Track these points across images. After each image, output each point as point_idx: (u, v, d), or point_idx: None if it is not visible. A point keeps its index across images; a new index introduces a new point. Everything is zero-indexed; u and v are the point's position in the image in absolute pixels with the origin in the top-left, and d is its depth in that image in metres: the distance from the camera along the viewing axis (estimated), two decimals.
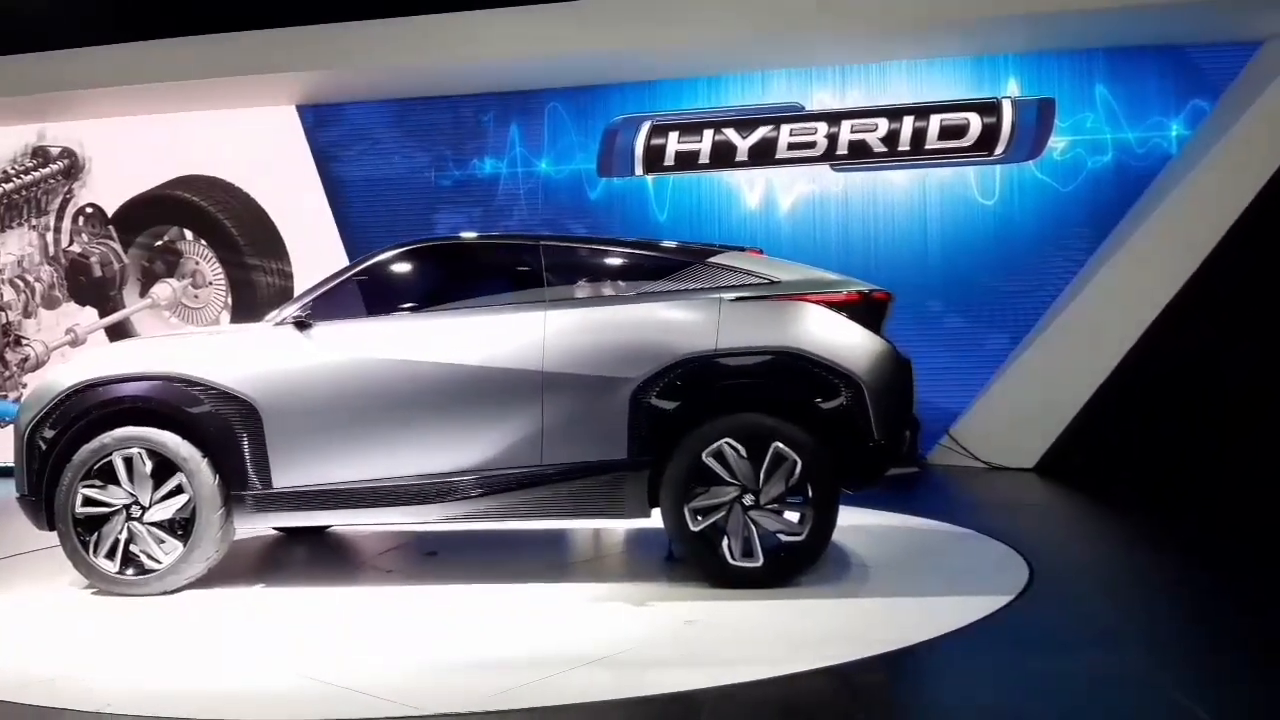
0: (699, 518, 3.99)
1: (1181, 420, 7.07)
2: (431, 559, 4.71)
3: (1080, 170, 7.88)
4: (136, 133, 8.97)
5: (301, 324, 4.20)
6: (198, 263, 8.90)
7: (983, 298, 7.95)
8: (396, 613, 3.87)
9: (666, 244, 4.49)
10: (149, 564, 4.16)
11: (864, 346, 4.02)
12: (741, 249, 4.46)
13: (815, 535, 4.02)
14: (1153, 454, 6.88)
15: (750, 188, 8.37)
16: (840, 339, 4.02)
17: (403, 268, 4.38)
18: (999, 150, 7.92)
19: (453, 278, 4.48)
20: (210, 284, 8.78)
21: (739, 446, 4.01)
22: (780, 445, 3.99)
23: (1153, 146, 7.71)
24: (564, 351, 4.03)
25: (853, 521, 5.23)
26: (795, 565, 4.02)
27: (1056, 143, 7.91)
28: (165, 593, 4.17)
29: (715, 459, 3.99)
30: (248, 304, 8.79)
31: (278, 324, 4.25)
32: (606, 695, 2.89)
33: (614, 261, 4.35)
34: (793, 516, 3.97)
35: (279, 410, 4.09)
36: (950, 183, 8.09)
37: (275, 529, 5.34)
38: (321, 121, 8.84)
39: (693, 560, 4.07)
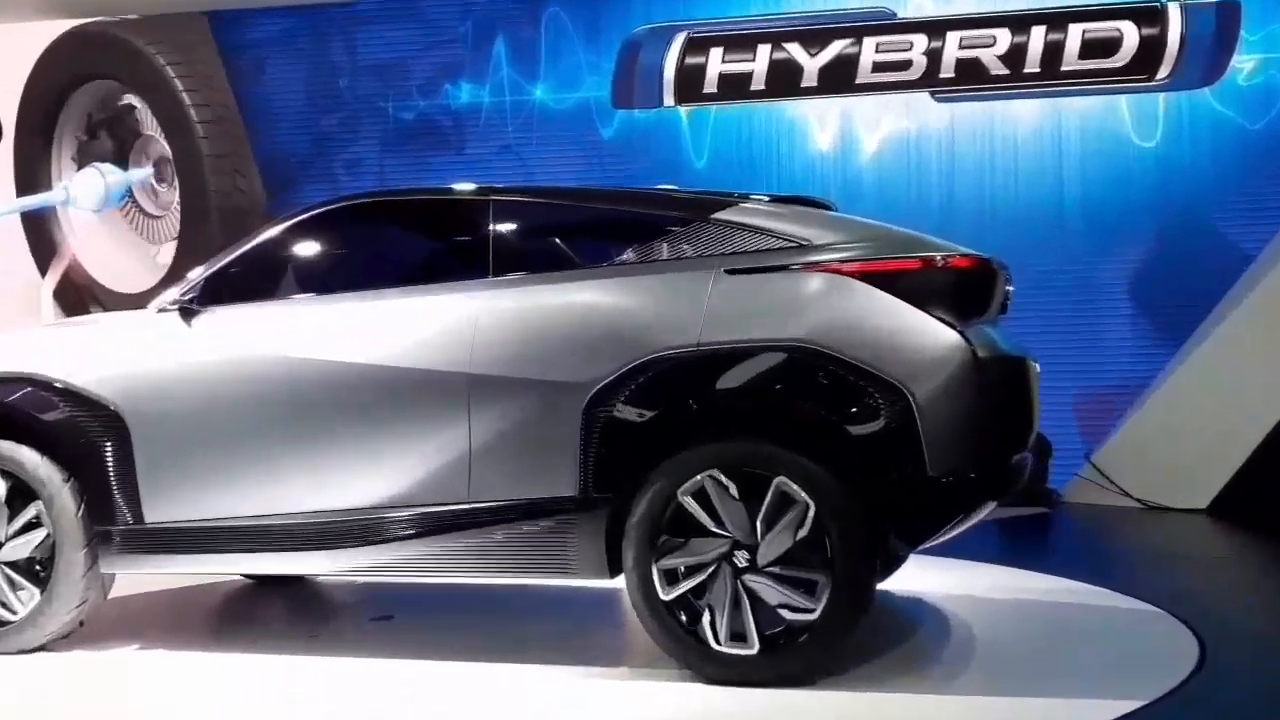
0: (672, 581, 3.82)
1: None
2: (383, 623, 4.78)
3: (1275, 101, 7.65)
4: None
5: (188, 310, 4.26)
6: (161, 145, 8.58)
7: (1138, 277, 7.81)
8: (325, 696, 3.87)
9: (660, 194, 4.44)
10: (2, 615, 4.23)
11: (919, 340, 3.73)
12: (802, 200, 4.35)
13: (836, 613, 3.71)
14: None
15: (821, 124, 8.27)
16: (883, 329, 3.75)
17: (315, 236, 4.46)
18: (1163, 73, 7.75)
19: (377, 248, 4.54)
20: (174, 185, 8.49)
21: (729, 483, 3.78)
22: (787, 482, 3.72)
23: None
24: (498, 346, 3.98)
25: (949, 580, 5.21)
26: (807, 656, 3.73)
27: (1242, 62, 7.67)
28: (23, 651, 4.25)
29: (696, 499, 3.79)
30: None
31: (160, 310, 4.32)
32: None
33: (584, 221, 4.33)
34: (806, 584, 3.77)
35: (149, 422, 4.16)
36: (1096, 116, 7.91)
37: (245, 575, 5.49)
38: (236, 31, 8.75)
39: (661, 641, 3.84)
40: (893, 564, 4.72)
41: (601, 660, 4.15)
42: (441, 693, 3.85)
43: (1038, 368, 4.19)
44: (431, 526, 3.97)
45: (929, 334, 3.77)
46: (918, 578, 5.02)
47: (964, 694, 3.77)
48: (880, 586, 4.70)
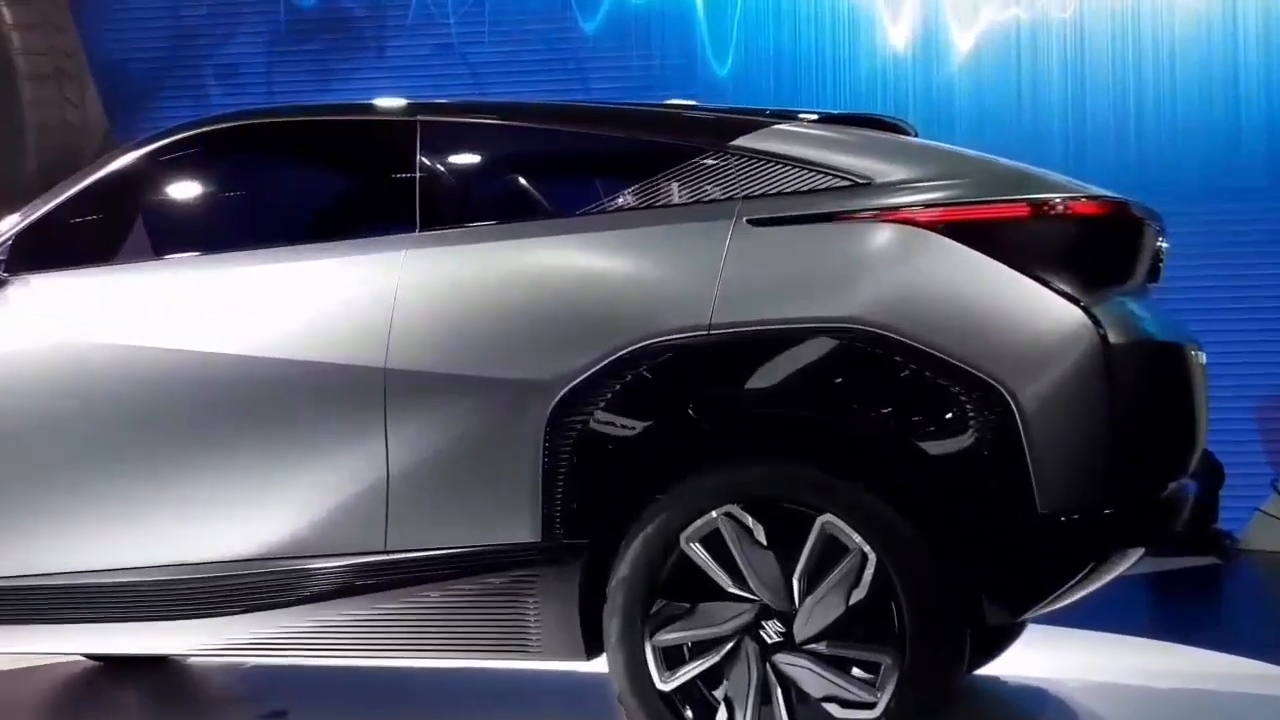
0: (673, 665, 3.85)
1: None
2: None
3: None
4: None
5: None
6: None
7: None
8: None
9: (658, 113, 4.50)
10: None
11: (1026, 320, 3.76)
12: (865, 120, 4.42)
13: (907, 710, 3.73)
14: None
15: (893, 12, 8.31)
16: (974, 305, 3.77)
17: (170, 175, 4.57)
18: None
19: (257, 191, 4.70)
20: None
21: (754, 524, 3.81)
22: (836, 523, 3.74)
23: None
24: (427, 331, 4.05)
25: (1083, 660, 5.20)
26: None
27: None
28: None
29: (707, 547, 3.82)
30: None
31: None
32: None
33: (551, 153, 4.44)
34: (864, 669, 3.81)
35: None
36: None
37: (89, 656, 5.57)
38: None
39: None
40: (996, 640, 4.72)
41: None
42: None
43: (1204, 359, 4.20)
44: (335, 587, 4.02)
45: (1040, 311, 3.77)
46: (1036, 657, 5.02)
47: None
48: (982, 672, 4.91)
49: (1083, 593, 3.95)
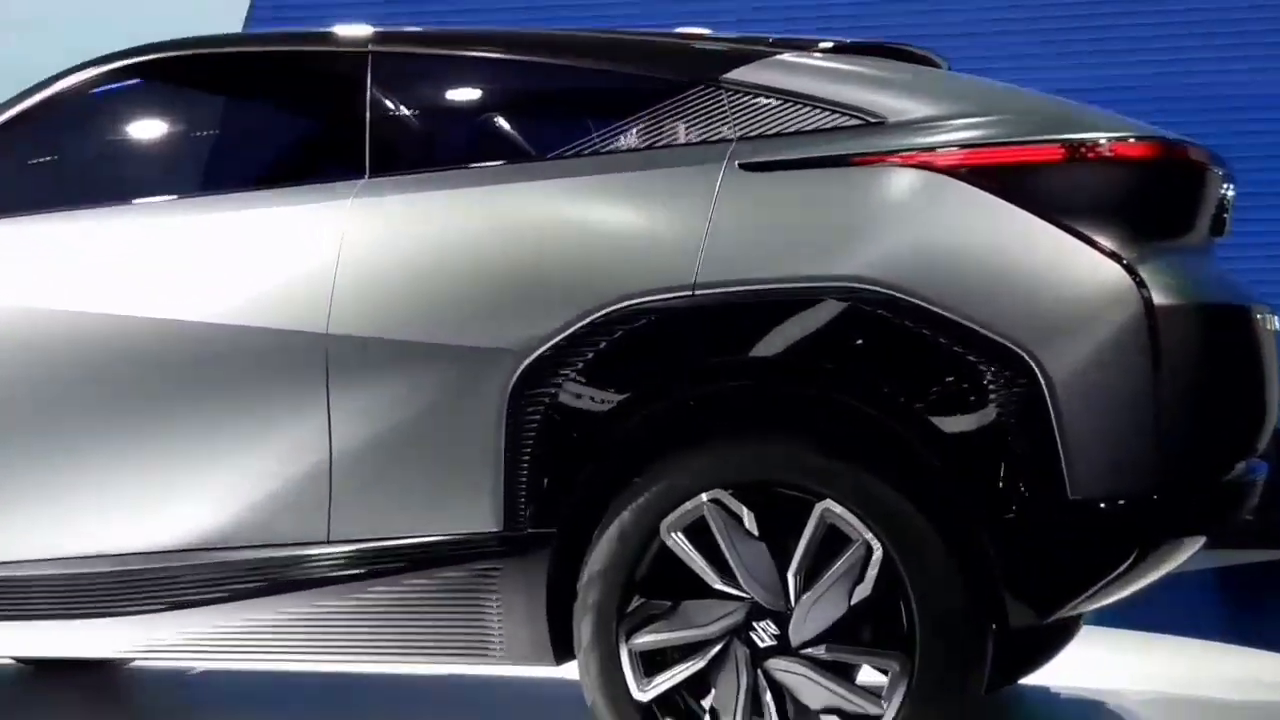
0: (653, 670, 3.69)
1: None
2: None
3: None
4: None
5: None
6: None
7: None
8: None
9: (637, 40, 4.33)
10: None
11: (1058, 279, 3.61)
12: (883, 50, 4.24)
13: None
14: None
15: None
16: (999, 262, 3.62)
17: (79, 113, 4.47)
18: None
19: (180, 132, 4.58)
20: None
21: (744, 511, 3.64)
22: (837, 510, 3.58)
23: None
24: (375, 291, 3.93)
25: (1141, 665, 5.29)
26: None
27: None
28: None
29: (691, 537, 3.68)
30: None
31: None
32: None
33: (517, 88, 4.35)
34: (871, 674, 3.69)
35: None
36: None
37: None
38: None
39: None
40: (1046, 643, 4.70)
41: None
42: None
43: (1277, 324, 4.02)
44: (271, 582, 3.91)
45: (1074, 269, 3.59)
46: (1086, 661, 4.97)
47: None
48: (1029, 680, 4.87)
49: (1129, 589, 3.80)
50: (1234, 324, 3.87)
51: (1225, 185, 4.00)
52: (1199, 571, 6.49)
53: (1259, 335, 3.92)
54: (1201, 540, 3.81)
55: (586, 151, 3.95)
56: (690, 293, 3.65)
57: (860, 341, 3.63)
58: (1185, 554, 3.81)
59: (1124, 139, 3.73)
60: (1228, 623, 6.16)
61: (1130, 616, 4.37)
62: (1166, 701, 4.90)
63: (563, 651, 3.77)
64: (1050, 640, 4.84)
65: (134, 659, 4.76)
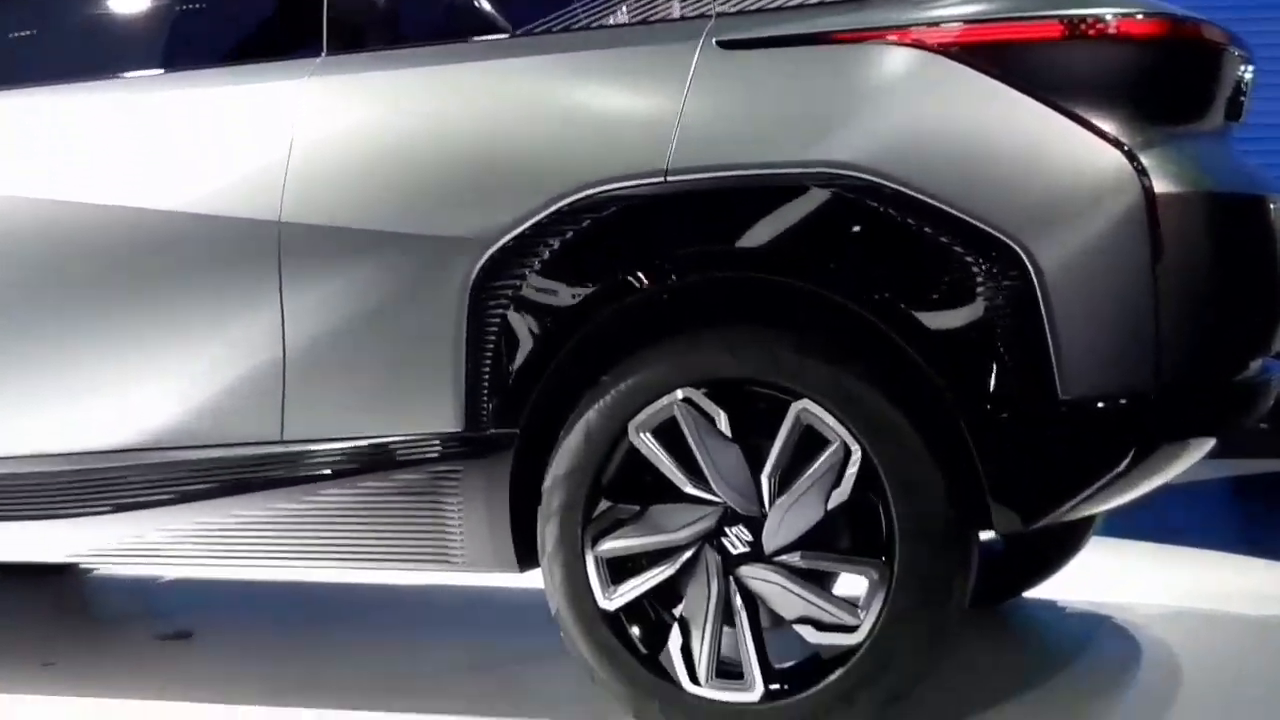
0: (619, 578, 3.67)
1: None
2: (176, 644, 4.91)
3: None
4: None
5: None
6: None
7: None
8: None
9: None
10: None
11: (1051, 165, 3.52)
12: None
13: (896, 636, 3.49)
14: None
15: None
16: (990, 147, 3.52)
17: None
18: None
19: (138, 5, 4.50)
20: None
21: (717, 411, 3.59)
22: (814, 411, 3.51)
23: None
24: (331, 177, 3.88)
25: (1150, 578, 5.27)
26: (849, 709, 3.54)
27: None
28: None
29: (660, 439, 3.63)
30: None
31: None
32: None
33: None
34: (849, 584, 3.66)
35: None
36: None
37: None
38: None
39: (601, 678, 3.71)
40: (1051, 555, 4.70)
41: (515, 711, 4.10)
42: None
43: None
44: (221, 484, 3.91)
45: (1070, 155, 3.48)
46: (1096, 573, 4.97)
47: None
48: (1034, 593, 4.88)
49: (1127, 495, 3.69)
50: (1247, 214, 3.76)
51: (1242, 67, 3.88)
52: (1217, 480, 6.39)
53: (1272, 227, 3.83)
54: (1209, 444, 3.72)
55: (558, 28, 3.85)
56: (662, 179, 3.57)
57: (841, 232, 3.54)
58: (1191, 458, 3.72)
59: (1130, 15, 3.59)
60: (1245, 534, 6.15)
61: (1145, 527, 4.28)
62: (1176, 615, 4.83)
63: (527, 558, 3.74)
64: (1058, 551, 4.82)
65: (82, 564, 4.72)
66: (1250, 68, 3.93)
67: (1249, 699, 4.15)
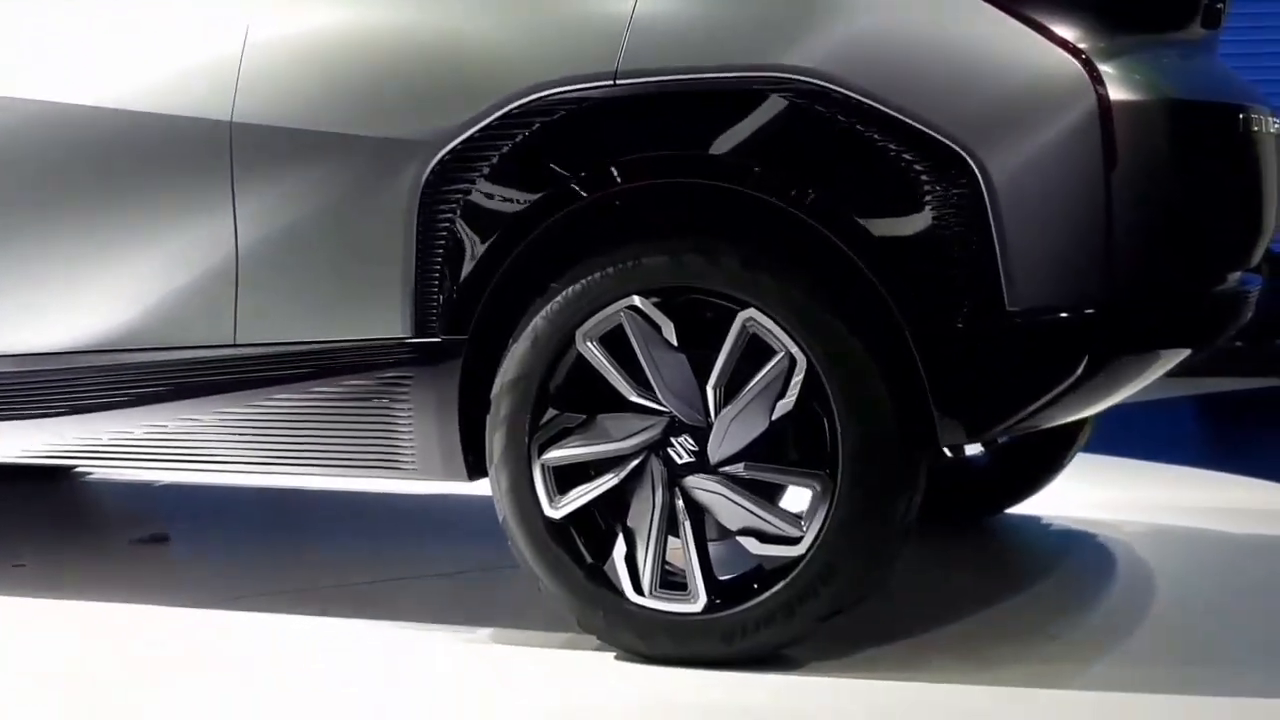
0: (565, 487, 3.66)
1: None
2: (152, 547, 4.93)
3: None
4: None
5: None
6: None
7: None
8: None
9: None
10: None
11: (1002, 72, 3.48)
12: None
13: (839, 548, 3.45)
14: None
15: None
16: (942, 54, 3.49)
17: None
18: None
19: None
20: None
21: (663, 320, 3.55)
22: (760, 319, 3.48)
23: None
24: (283, 77, 3.86)
25: (1124, 492, 5.31)
26: (790, 621, 3.51)
27: None
28: None
29: (607, 346, 3.61)
30: None
31: None
32: None
33: None
34: (795, 496, 3.63)
35: None
36: None
37: None
38: None
39: (548, 587, 3.71)
40: (1034, 472, 4.76)
41: (483, 619, 4.06)
42: (235, 665, 3.77)
43: (1276, 126, 3.84)
44: (174, 386, 3.90)
45: (1023, 61, 3.44)
46: (1080, 490, 4.99)
47: (1102, 689, 3.54)
48: (1018, 509, 4.94)
49: (1085, 409, 3.75)
50: (1216, 124, 3.69)
51: None
52: (1206, 396, 6.36)
53: (1249, 137, 3.73)
54: (1179, 356, 3.69)
55: None
56: (611, 82, 3.53)
57: (789, 138, 3.49)
58: (1155, 372, 3.68)
59: None
60: (1231, 451, 6.14)
61: (1129, 444, 4.26)
62: (1158, 532, 4.85)
63: (477, 468, 3.72)
64: (1042, 468, 4.81)
65: (32, 462, 4.74)
66: None
67: (1222, 610, 4.16)
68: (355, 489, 5.49)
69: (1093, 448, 4.60)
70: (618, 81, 3.51)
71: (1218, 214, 3.70)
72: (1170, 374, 3.87)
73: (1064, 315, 3.40)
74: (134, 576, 4.49)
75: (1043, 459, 4.78)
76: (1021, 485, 4.85)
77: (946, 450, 3.87)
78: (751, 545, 3.50)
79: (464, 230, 3.63)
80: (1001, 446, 4.80)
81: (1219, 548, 4.76)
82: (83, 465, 5.22)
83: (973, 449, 4.70)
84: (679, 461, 3.52)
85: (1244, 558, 4.65)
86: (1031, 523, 4.85)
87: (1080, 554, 4.67)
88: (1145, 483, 5.47)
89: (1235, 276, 3.77)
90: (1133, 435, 4.28)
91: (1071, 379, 3.42)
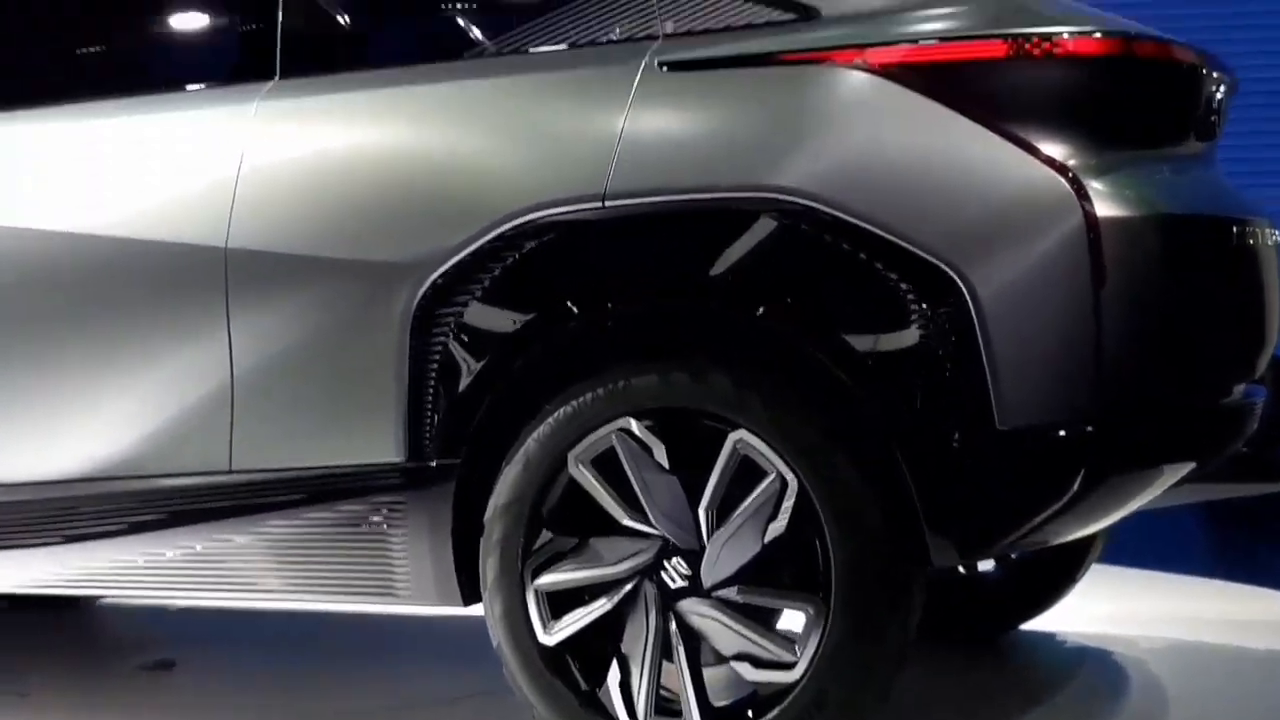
0: (559, 612, 3.63)
1: None
2: (158, 674, 4.87)
3: None
4: None
5: None
6: None
7: None
8: None
9: None
10: None
11: (987, 189, 3.45)
12: None
13: (834, 673, 3.41)
14: None
15: None
16: (929, 172, 3.46)
17: None
18: None
19: (79, 26, 4.48)
20: None
21: (655, 442, 3.53)
22: (751, 442, 3.46)
23: None
24: (280, 204, 3.86)
25: (1136, 605, 5.32)
26: None
27: None
28: None
29: (599, 469, 3.59)
30: None
31: None
32: None
33: None
34: (789, 622, 3.59)
35: None
36: None
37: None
38: None
39: (540, 712, 3.67)
40: (1049, 587, 4.72)
41: None
42: None
43: (1276, 238, 3.85)
44: (171, 514, 3.88)
45: (1008, 179, 3.41)
46: (1097, 605, 5.00)
47: None
48: (1031, 625, 4.88)
49: (1085, 526, 3.70)
50: (1210, 238, 3.67)
51: (1214, 85, 3.77)
52: (1219, 504, 6.35)
53: (1245, 250, 3.71)
54: (1181, 470, 3.63)
55: (507, 50, 3.85)
56: (599, 204, 3.52)
57: (777, 258, 3.48)
58: (1158, 487, 3.62)
59: (1085, 34, 3.51)
60: (1243, 560, 6.17)
61: (1141, 553, 4.23)
62: (1172, 648, 4.85)
63: (471, 592, 3.70)
64: (1055, 582, 4.76)
65: (33, 594, 4.70)
66: (1221, 86, 3.83)
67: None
68: (360, 609, 5.44)
69: (1104, 558, 4.62)
70: (606, 203, 3.51)
71: (1213, 327, 3.66)
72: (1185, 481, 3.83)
73: (1055, 433, 3.36)
74: (137, 704, 4.49)
75: (1056, 573, 4.72)
76: (1035, 600, 4.79)
77: (961, 567, 3.85)
78: (746, 671, 3.46)
79: (457, 353, 3.61)
80: (1014, 561, 4.76)
81: (1233, 663, 4.71)
82: (88, 594, 5.23)
83: (985, 565, 4.69)
84: (672, 585, 3.49)
85: (1259, 675, 4.64)
86: (1045, 639, 4.81)
87: (1094, 672, 4.62)
88: (1159, 594, 5.42)
89: (1239, 389, 3.74)
90: (1144, 544, 4.23)
91: (1066, 497, 3.39)
